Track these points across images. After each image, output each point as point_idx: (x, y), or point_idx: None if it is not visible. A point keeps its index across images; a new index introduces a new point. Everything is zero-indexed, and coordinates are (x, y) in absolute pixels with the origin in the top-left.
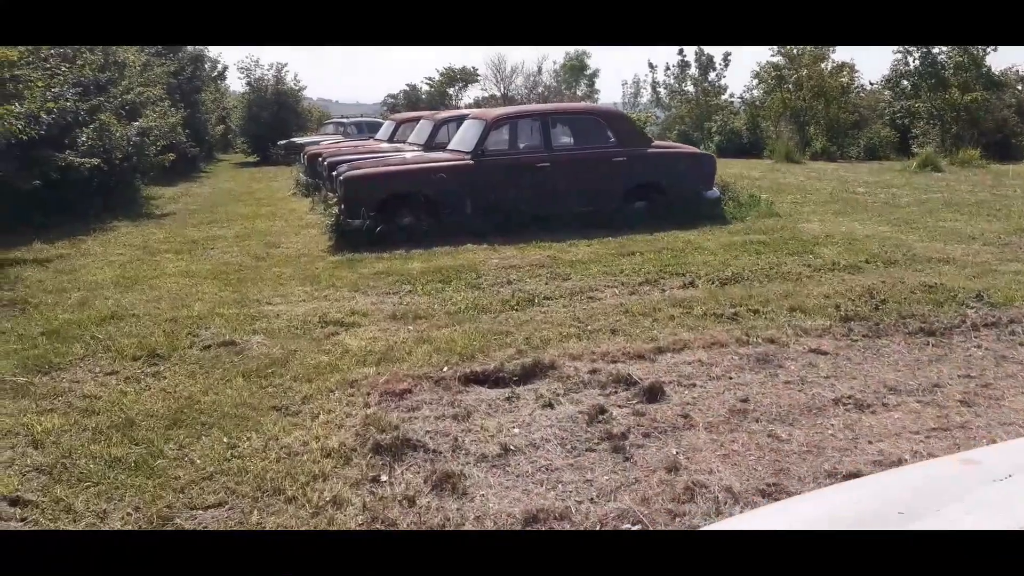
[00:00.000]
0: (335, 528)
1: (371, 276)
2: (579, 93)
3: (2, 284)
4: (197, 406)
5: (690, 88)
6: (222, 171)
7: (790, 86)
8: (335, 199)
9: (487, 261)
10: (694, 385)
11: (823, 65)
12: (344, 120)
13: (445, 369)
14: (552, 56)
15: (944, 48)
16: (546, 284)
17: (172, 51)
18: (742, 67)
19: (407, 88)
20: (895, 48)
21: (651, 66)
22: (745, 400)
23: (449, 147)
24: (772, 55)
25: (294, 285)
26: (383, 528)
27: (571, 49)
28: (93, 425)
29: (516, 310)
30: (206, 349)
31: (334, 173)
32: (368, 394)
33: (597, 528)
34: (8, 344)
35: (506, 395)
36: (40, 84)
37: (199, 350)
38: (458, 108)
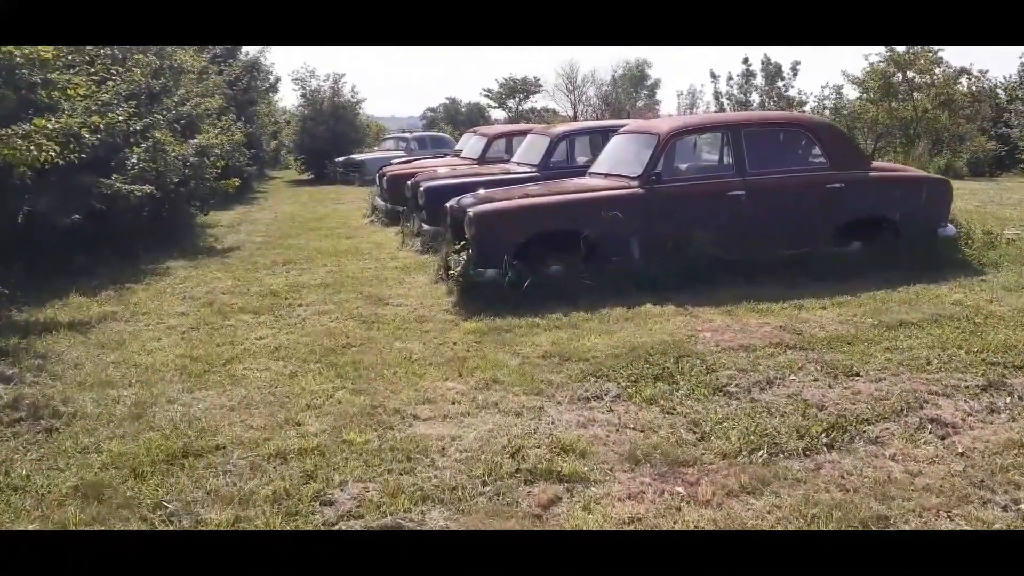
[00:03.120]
0: None
1: (540, 361)
2: (640, 105)
3: (24, 371)
4: None
5: (755, 98)
6: (277, 191)
7: (900, 95)
8: (460, 242)
9: (695, 334)
10: None
11: (939, 70)
12: (406, 135)
13: None
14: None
15: None
16: (830, 386)
17: (227, 57)
18: (808, 76)
19: (447, 101)
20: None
21: (713, 75)
22: None
23: (596, 170)
24: (881, 61)
25: (436, 376)
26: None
27: (631, 58)
28: None
29: (836, 449)
30: None
31: (454, 205)
32: None
33: None
34: (21, 515)
35: None
36: (82, 91)
37: None
38: (501, 122)
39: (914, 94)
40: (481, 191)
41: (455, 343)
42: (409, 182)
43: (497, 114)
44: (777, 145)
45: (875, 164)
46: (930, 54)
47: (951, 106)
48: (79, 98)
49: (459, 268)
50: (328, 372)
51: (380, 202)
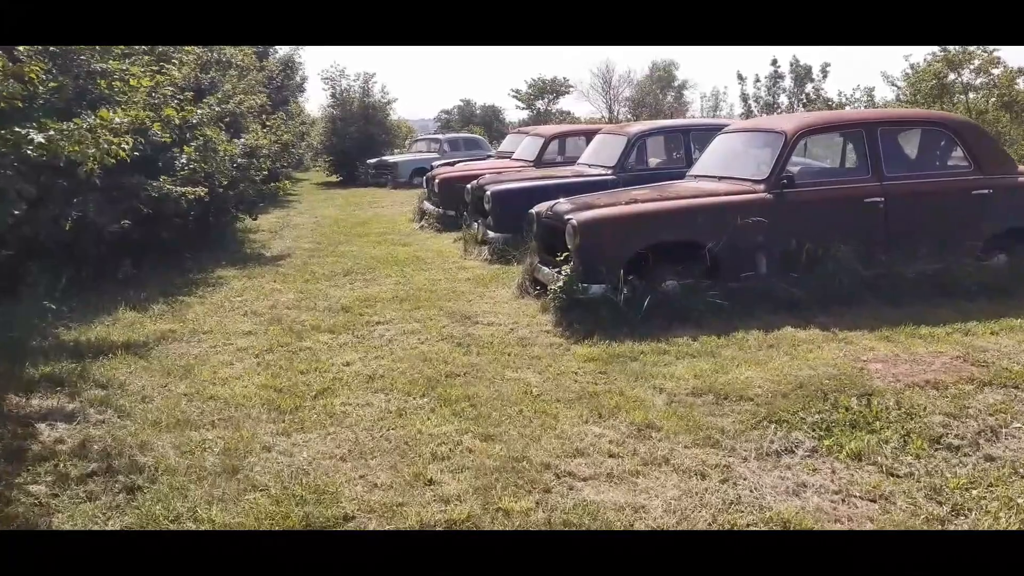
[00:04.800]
0: None
1: (691, 399)
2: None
3: (87, 406)
4: None
5: (784, 100)
6: (309, 193)
7: (953, 96)
8: (553, 253)
9: (862, 366)
10: None
11: (998, 71)
12: (438, 136)
13: None
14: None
15: None
16: None
17: (262, 55)
18: (836, 78)
19: (461, 103)
20: None
21: (740, 77)
22: None
23: (702, 173)
24: (934, 60)
25: (572, 417)
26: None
27: (658, 58)
28: None
29: None
30: None
31: (545, 212)
32: None
33: None
34: None
35: None
36: (146, 82)
37: None
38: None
39: (968, 95)
40: (581, 197)
41: (575, 373)
42: (470, 186)
43: (512, 115)
44: (915, 146)
45: (1023, 168)
46: (986, 54)
47: (1014, 107)
48: (143, 89)
49: (559, 283)
50: (442, 409)
51: (430, 206)
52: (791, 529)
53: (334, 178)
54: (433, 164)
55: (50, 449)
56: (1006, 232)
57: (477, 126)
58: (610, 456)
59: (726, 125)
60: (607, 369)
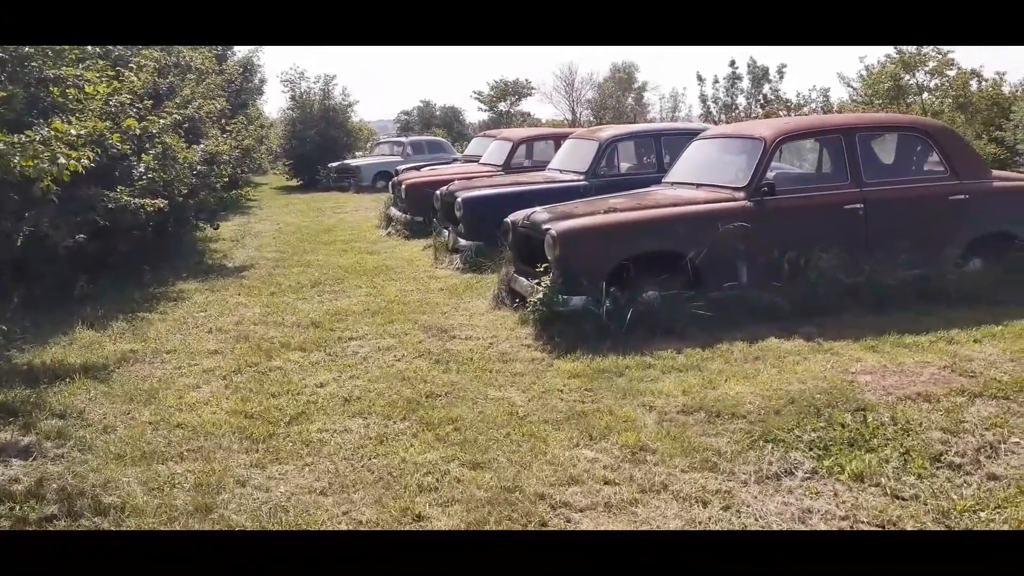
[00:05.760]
0: None
1: (682, 417)
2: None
3: (43, 439)
4: None
5: (742, 101)
6: (269, 199)
7: (909, 97)
8: (531, 263)
9: (851, 379)
10: None
11: (953, 72)
12: (401, 140)
13: None
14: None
15: None
16: None
17: (221, 57)
18: (794, 78)
19: (421, 104)
20: None
21: (700, 78)
22: None
23: (677, 180)
24: (889, 63)
25: (562, 440)
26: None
27: (618, 60)
28: None
29: None
30: None
31: (521, 220)
32: None
33: None
34: None
35: None
36: (103, 88)
37: None
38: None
39: (923, 96)
40: (558, 206)
41: (560, 390)
42: (439, 192)
43: (472, 116)
44: (892, 151)
45: (996, 173)
46: (940, 55)
47: (968, 108)
48: (99, 96)
49: (538, 295)
50: (425, 434)
51: (397, 212)
52: (790, 529)
53: (294, 182)
54: (398, 168)
55: (4, 490)
56: (981, 238)
57: (438, 127)
58: (606, 483)
59: (698, 130)
60: (593, 386)
